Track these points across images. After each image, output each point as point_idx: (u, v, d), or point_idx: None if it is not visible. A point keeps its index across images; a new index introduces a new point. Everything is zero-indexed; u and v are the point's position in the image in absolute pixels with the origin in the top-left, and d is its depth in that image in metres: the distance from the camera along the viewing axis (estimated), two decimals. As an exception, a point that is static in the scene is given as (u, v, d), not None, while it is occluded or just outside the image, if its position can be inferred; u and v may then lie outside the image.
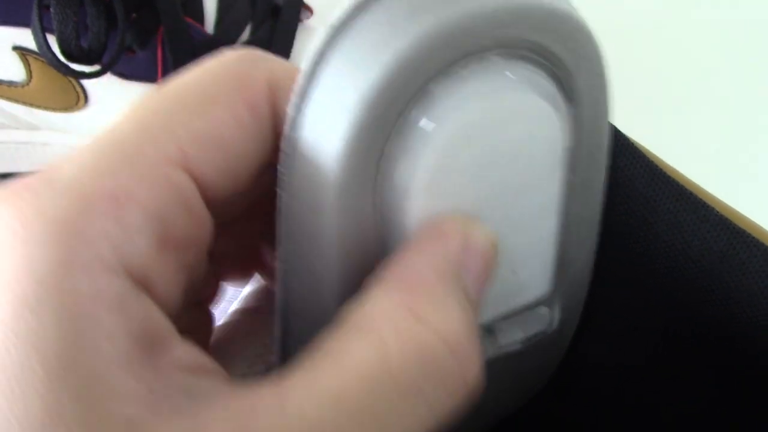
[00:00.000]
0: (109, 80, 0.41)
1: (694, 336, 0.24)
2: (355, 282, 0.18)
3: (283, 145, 0.18)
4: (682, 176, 0.24)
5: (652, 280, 0.24)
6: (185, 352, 0.16)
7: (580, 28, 0.19)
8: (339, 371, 0.16)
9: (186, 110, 0.17)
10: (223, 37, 0.42)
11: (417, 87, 0.17)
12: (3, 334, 0.15)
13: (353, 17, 0.17)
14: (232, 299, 0.28)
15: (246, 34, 0.43)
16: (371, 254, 0.19)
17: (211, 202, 0.18)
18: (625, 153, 0.23)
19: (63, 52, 0.39)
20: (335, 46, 0.17)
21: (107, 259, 0.16)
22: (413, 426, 0.16)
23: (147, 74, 0.41)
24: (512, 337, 0.22)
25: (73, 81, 0.42)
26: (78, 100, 0.42)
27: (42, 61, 0.41)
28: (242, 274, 0.24)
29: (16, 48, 0.41)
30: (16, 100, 0.42)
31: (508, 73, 0.18)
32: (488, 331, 0.21)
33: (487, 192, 0.19)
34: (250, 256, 0.23)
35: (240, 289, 0.27)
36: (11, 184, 0.16)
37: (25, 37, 0.40)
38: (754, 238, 0.22)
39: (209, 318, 0.22)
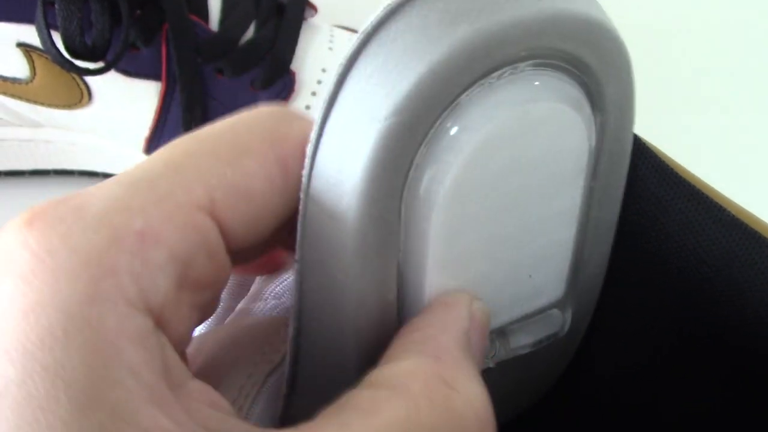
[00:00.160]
0: (113, 77, 0.41)
1: (706, 336, 0.24)
2: (374, 290, 0.18)
3: (308, 149, 0.18)
4: (694, 177, 0.23)
5: (664, 281, 0.24)
6: (199, 389, 0.17)
7: (612, 38, 0.19)
8: (371, 426, 0.16)
9: (218, 158, 0.18)
10: (228, 35, 0.42)
11: (449, 97, 0.17)
12: (30, 364, 0.15)
13: (385, 23, 0.17)
14: (238, 297, 0.28)
15: (250, 32, 0.42)
16: (392, 262, 0.18)
17: (232, 248, 0.18)
18: (637, 153, 0.23)
19: (67, 49, 0.39)
20: (367, 52, 0.17)
21: (131, 295, 0.16)
22: None
23: (151, 71, 0.41)
24: (524, 340, 0.22)
25: (77, 78, 0.41)
26: (82, 97, 0.42)
27: (46, 58, 0.41)
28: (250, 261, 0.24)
29: (20, 45, 0.41)
30: (20, 97, 0.42)
31: (536, 81, 0.18)
32: (500, 333, 0.21)
33: (509, 198, 0.19)
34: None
35: (246, 288, 0.27)
36: (38, 209, 0.16)
37: (29, 33, 0.40)
38: (766, 239, 0.22)
39: None
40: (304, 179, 0.18)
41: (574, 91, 0.19)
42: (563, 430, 0.28)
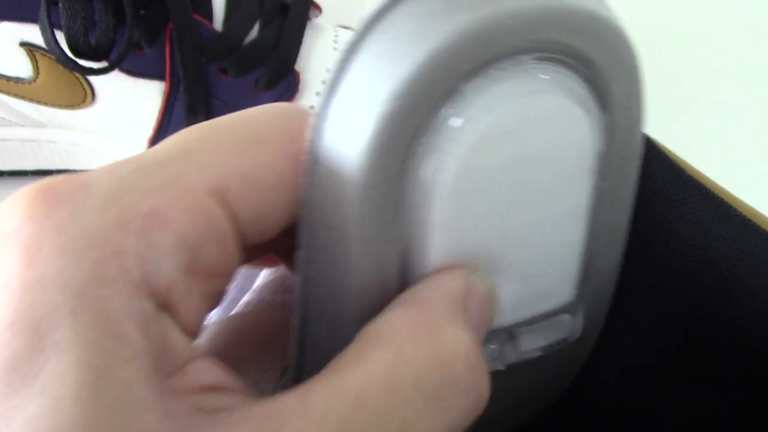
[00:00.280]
0: (116, 77, 0.41)
1: (716, 337, 0.24)
2: (376, 276, 0.18)
3: (309, 134, 0.18)
4: (705, 177, 0.23)
5: (674, 281, 0.24)
6: (203, 372, 0.17)
7: (617, 34, 0.19)
8: (360, 374, 0.16)
9: (232, 146, 0.18)
10: (232, 35, 0.41)
11: (448, 85, 0.17)
12: (38, 338, 0.15)
13: (387, 10, 0.17)
14: (243, 289, 0.28)
15: (254, 31, 0.42)
16: (393, 249, 0.18)
17: (242, 240, 0.18)
18: (648, 153, 0.23)
19: (71, 49, 0.38)
20: (368, 39, 0.17)
21: (135, 277, 0.16)
22: (433, 429, 0.16)
23: (155, 71, 0.41)
24: (534, 344, 0.21)
25: (81, 78, 0.41)
26: (85, 97, 0.42)
27: (49, 58, 0.40)
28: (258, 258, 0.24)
29: (23, 44, 0.40)
30: (23, 97, 0.42)
31: (541, 75, 0.18)
32: (510, 336, 0.21)
33: (514, 193, 0.19)
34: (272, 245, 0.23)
35: (251, 281, 0.27)
36: (47, 184, 0.16)
37: (32, 33, 0.40)
38: (777, 239, 0.22)
39: None
40: (306, 165, 0.18)
41: (579, 88, 0.19)
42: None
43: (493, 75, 0.17)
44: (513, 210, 0.19)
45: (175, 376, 0.16)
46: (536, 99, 0.18)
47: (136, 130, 0.43)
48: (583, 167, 0.19)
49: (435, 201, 0.18)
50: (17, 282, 0.15)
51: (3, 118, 0.43)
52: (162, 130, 0.42)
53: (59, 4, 0.38)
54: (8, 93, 0.42)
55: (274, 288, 0.24)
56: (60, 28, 0.38)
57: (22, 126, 0.44)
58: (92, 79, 0.41)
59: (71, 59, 0.38)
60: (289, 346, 0.20)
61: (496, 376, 0.21)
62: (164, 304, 0.16)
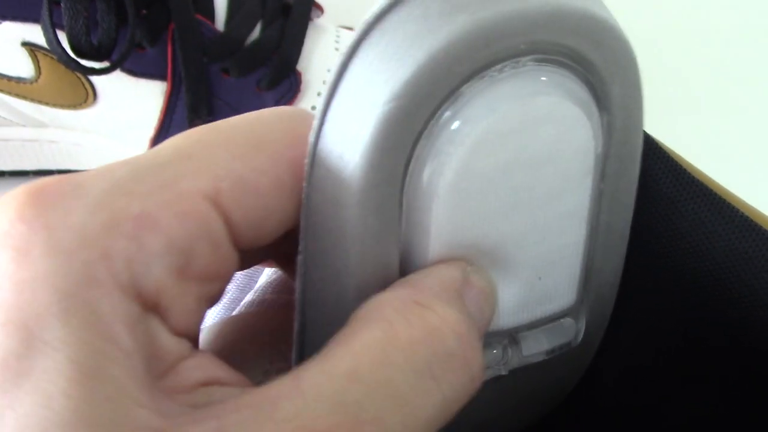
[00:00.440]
0: (118, 77, 0.41)
1: (717, 337, 0.24)
2: (376, 279, 0.18)
3: (310, 136, 0.18)
4: (707, 177, 0.23)
5: (675, 281, 0.24)
6: (197, 369, 0.17)
7: (616, 36, 0.19)
8: (350, 352, 0.16)
9: (229, 150, 0.18)
10: (234, 35, 0.41)
11: (449, 87, 0.17)
12: (29, 338, 0.15)
13: (387, 12, 0.17)
14: (246, 288, 0.28)
15: (256, 32, 0.42)
16: (393, 251, 0.18)
17: (238, 244, 0.18)
18: (649, 153, 0.23)
19: (73, 48, 0.38)
20: (368, 41, 0.17)
21: (123, 280, 0.16)
22: (426, 405, 0.16)
23: (157, 71, 0.41)
24: (536, 348, 0.21)
25: (82, 78, 0.41)
26: (87, 97, 0.42)
27: (51, 58, 0.40)
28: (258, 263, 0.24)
29: (25, 44, 0.40)
30: (24, 97, 0.42)
31: (540, 76, 0.18)
32: (513, 340, 0.21)
33: (514, 195, 0.19)
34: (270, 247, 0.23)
35: (254, 280, 0.27)
36: (40, 185, 0.16)
37: (34, 32, 0.40)
38: (779, 240, 0.22)
39: None
40: (306, 167, 0.18)
41: (578, 89, 0.19)
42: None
43: (492, 77, 0.17)
44: (513, 212, 0.19)
45: (167, 376, 0.16)
46: (536, 100, 0.18)
47: (138, 130, 0.43)
48: (583, 169, 0.19)
49: (435, 203, 0.18)
50: (8, 283, 0.15)
51: (4, 118, 0.43)
52: (164, 130, 0.42)
53: (61, 4, 0.38)
54: (10, 93, 0.42)
55: (277, 287, 0.24)
56: (62, 27, 0.38)
57: (24, 126, 0.44)
58: (94, 79, 0.41)
59: (73, 59, 0.38)
60: (290, 349, 0.20)
61: (499, 381, 0.21)
62: (153, 307, 0.16)
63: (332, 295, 0.19)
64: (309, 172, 0.18)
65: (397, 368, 0.16)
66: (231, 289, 0.28)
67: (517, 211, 0.19)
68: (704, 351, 0.24)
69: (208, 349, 0.21)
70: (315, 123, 0.18)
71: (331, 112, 0.17)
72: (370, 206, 0.17)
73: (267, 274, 0.25)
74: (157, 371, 0.16)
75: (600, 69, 0.19)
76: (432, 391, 0.16)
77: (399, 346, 0.16)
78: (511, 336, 0.21)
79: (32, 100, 0.42)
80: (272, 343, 0.22)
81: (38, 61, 0.41)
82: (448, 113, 0.17)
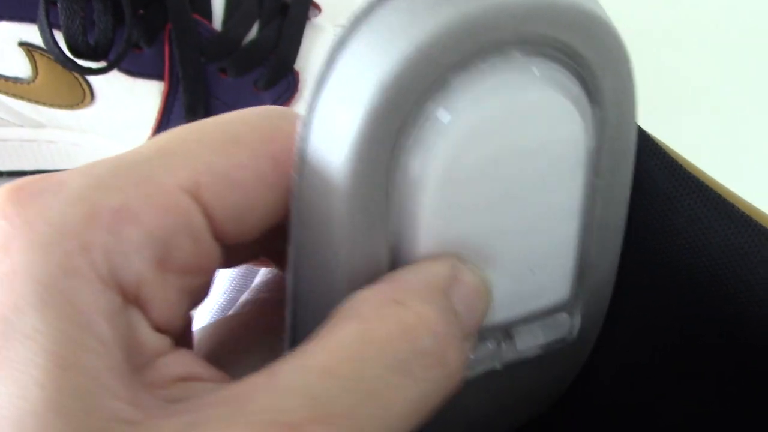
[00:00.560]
0: (115, 77, 0.41)
1: (713, 333, 0.24)
2: (366, 272, 0.18)
3: (298, 128, 0.18)
4: (703, 173, 0.23)
5: (670, 277, 0.24)
6: (175, 364, 0.17)
7: (605, 29, 0.18)
8: (325, 348, 0.16)
9: (208, 145, 0.18)
10: (231, 35, 0.41)
11: (435, 77, 0.17)
12: (7, 329, 0.15)
13: (375, 6, 0.17)
14: (242, 288, 0.28)
15: (253, 31, 0.42)
16: (383, 244, 0.18)
17: (222, 239, 0.18)
18: (645, 149, 0.23)
19: (70, 48, 0.38)
20: (355, 35, 0.17)
21: (102, 271, 0.16)
22: (399, 401, 0.16)
23: (154, 71, 0.41)
24: (531, 342, 0.21)
25: (79, 78, 0.41)
26: (84, 97, 0.42)
27: (48, 58, 0.40)
28: (249, 261, 0.24)
29: (22, 44, 0.40)
30: (22, 97, 0.42)
31: (530, 68, 0.18)
32: (507, 335, 0.21)
33: (503, 188, 0.19)
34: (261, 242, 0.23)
35: (250, 280, 0.27)
36: (21, 183, 0.17)
37: (31, 32, 0.40)
38: (776, 235, 0.22)
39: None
40: (295, 160, 0.18)
41: (568, 82, 0.19)
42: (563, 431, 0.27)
43: (481, 68, 0.17)
44: (504, 205, 0.19)
45: (145, 370, 0.16)
46: (525, 92, 0.18)
47: (135, 129, 0.43)
48: (575, 162, 0.19)
49: (423, 195, 0.18)
50: None
51: (2, 119, 0.43)
52: (161, 130, 0.42)
53: (58, 4, 0.38)
54: (7, 93, 0.42)
55: (272, 287, 0.24)
56: (59, 27, 0.38)
57: (21, 126, 0.44)
58: (91, 79, 0.41)
59: (70, 59, 0.38)
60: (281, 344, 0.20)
61: (495, 377, 0.21)
62: (133, 299, 0.17)
63: (322, 289, 0.19)
64: (299, 165, 0.18)
65: (370, 364, 0.16)
66: (228, 289, 0.28)
67: (507, 204, 0.19)
68: (700, 347, 0.24)
69: (202, 349, 0.21)
70: (304, 116, 0.18)
71: (319, 104, 0.17)
72: (359, 198, 0.17)
73: (262, 274, 0.25)
74: (135, 364, 0.16)
75: (591, 63, 0.19)
76: (406, 388, 0.17)
77: (372, 342, 0.16)
78: (505, 330, 0.21)
79: (30, 100, 0.42)
80: (265, 340, 0.22)
81: (35, 62, 0.41)
82: (435, 105, 0.17)
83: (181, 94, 0.41)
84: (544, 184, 0.19)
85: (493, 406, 0.23)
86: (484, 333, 0.20)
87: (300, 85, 0.43)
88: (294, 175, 0.18)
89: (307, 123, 0.18)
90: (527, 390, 0.23)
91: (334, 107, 0.17)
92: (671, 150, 0.23)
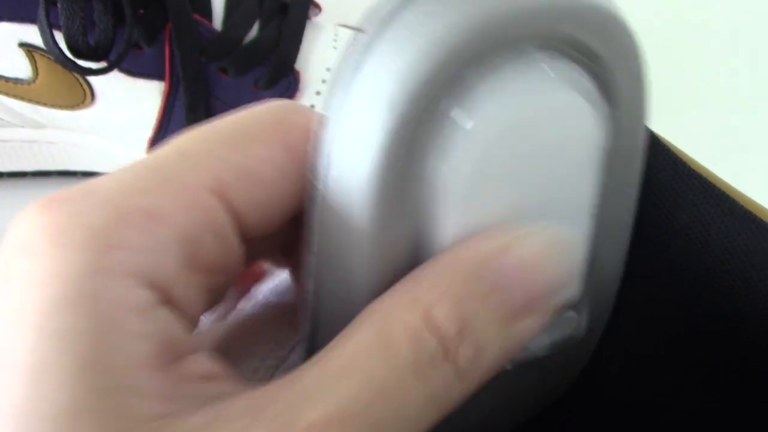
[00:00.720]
0: (116, 77, 0.41)
1: (716, 330, 0.24)
2: (387, 277, 0.18)
3: (324, 136, 0.18)
4: (707, 170, 0.23)
5: (674, 273, 0.24)
6: (200, 362, 0.17)
7: (622, 28, 0.19)
8: (343, 351, 0.17)
9: (226, 144, 0.18)
10: (231, 34, 0.41)
11: (453, 76, 0.17)
12: (40, 331, 0.15)
13: (399, 9, 0.17)
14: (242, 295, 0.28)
15: (254, 31, 0.42)
16: (404, 249, 0.18)
17: (245, 233, 0.19)
18: (650, 146, 0.23)
19: (70, 49, 0.38)
20: (380, 37, 0.17)
21: (134, 269, 0.16)
22: (414, 402, 0.17)
23: (154, 71, 0.41)
24: (540, 341, 0.21)
25: (80, 78, 0.41)
26: (84, 97, 0.42)
27: (48, 58, 0.40)
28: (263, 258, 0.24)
29: (22, 44, 0.40)
30: (22, 98, 0.42)
31: (546, 67, 0.18)
32: None
33: (521, 190, 0.19)
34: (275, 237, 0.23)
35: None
36: (53, 195, 0.17)
37: (31, 33, 0.40)
38: (779, 232, 0.22)
39: None
40: (318, 169, 0.18)
41: (585, 82, 0.19)
42: (564, 428, 0.27)
43: (500, 70, 0.17)
44: (521, 206, 0.19)
45: (175, 365, 0.17)
46: (545, 94, 0.18)
47: (136, 130, 0.43)
48: (590, 161, 0.19)
49: (445, 200, 0.18)
50: (25, 286, 0.16)
51: (2, 119, 0.43)
52: (162, 130, 0.42)
53: (58, 5, 0.38)
54: (7, 94, 0.42)
55: (270, 292, 0.24)
56: (59, 28, 0.38)
57: (22, 127, 0.44)
58: (91, 79, 0.41)
59: (70, 59, 0.38)
60: (300, 349, 0.20)
61: (500, 376, 0.21)
62: (165, 297, 0.17)
63: (344, 294, 0.19)
64: (322, 171, 0.18)
65: (384, 365, 0.17)
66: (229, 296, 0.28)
67: (524, 206, 0.19)
68: (702, 343, 0.24)
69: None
70: (329, 123, 0.18)
71: (345, 111, 0.17)
72: (384, 205, 0.17)
73: (270, 281, 0.25)
74: (167, 359, 0.16)
75: (607, 62, 0.19)
76: (417, 389, 0.17)
77: (385, 343, 0.17)
78: None
79: (30, 101, 0.42)
80: (262, 345, 0.22)
81: (35, 62, 0.41)
82: (453, 104, 0.17)
83: (182, 94, 0.41)
84: (558, 183, 0.19)
85: (499, 404, 0.23)
86: None
87: (301, 85, 0.43)
88: (314, 182, 0.18)
89: (329, 129, 0.18)
90: (534, 386, 0.23)
91: (360, 113, 0.17)
92: (675, 147, 0.23)
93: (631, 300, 0.24)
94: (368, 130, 0.17)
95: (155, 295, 0.17)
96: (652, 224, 0.23)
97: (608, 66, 0.19)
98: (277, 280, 0.24)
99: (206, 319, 0.27)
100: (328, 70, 0.43)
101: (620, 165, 0.20)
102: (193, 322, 0.18)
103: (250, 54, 0.42)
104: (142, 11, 0.40)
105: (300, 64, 0.43)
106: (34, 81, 0.41)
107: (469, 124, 0.17)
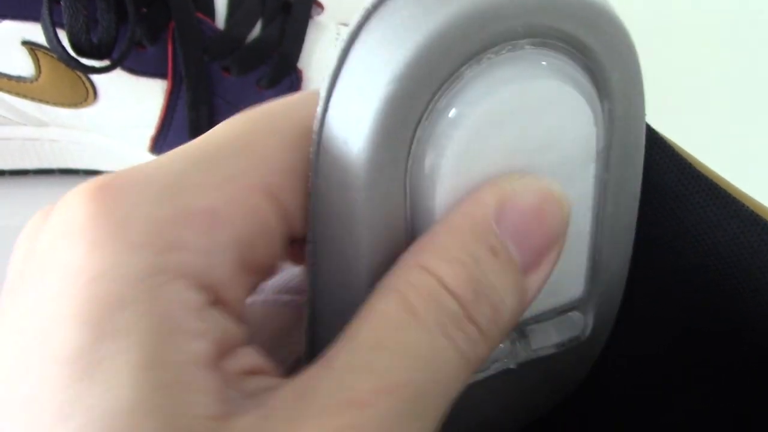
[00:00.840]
0: (118, 76, 0.41)
1: (721, 332, 0.24)
2: (385, 264, 0.18)
3: (313, 125, 0.18)
4: (712, 172, 0.23)
5: (680, 275, 0.24)
6: (248, 356, 0.17)
7: (613, 23, 0.19)
8: (370, 325, 0.17)
9: (279, 139, 0.18)
10: (234, 33, 0.41)
11: (448, 69, 0.17)
12: (99, 328, 0.15)
13: (386, 2, 0.17)
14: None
15: (257, 30, 0.42)
16: (401, 238, 0.18)
17: (291, 234, 0.19)
18: (655, 147, 0.23)
19: (73, 47, 0.38)
20: (368, 27, 0.17)
21: (192, 270, 0.17)
22: (446, 363, 0.17)
23: (157, 70, 0.41)
24: (545, 341, 0.21)
25: (83, 76, 0.41)
26: (87, 95, 0.42)
27: (51, 57, 0.40)
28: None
29: (25, 43, 0.40)
30: (25, 96, 0.42)
31: (540, 60, 0.18)
32: (521, 333, 0.21)
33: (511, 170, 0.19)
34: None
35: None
36: (104, 180, 0.17)
37: (34, 31, 0.40)
38: (785, 234, 0.22)
39: None
40: (311, 156, 0.18)
41: (578, 75, 0.19)
42: (568, 428, 0.27)
43: (490, 59, 0.18)
44: None
45: (228, 360, 0.17)
46: (535, 84, 0.18)
47: (139, 128, 0.43)
48: (585, 156, 0.19)
49: (437, 187, 0.18)
50: (81, 277, 0.16)
51: (5, 117, 0.43)
52: (164, 129, 0.42)
53: (61, 3, 0.38)
54: (10, 92, 0.42)
55: (279, 288, 0.24)
56: (62, 26, 0.38)
57: (24, 125, 0.44)
58: (94, 77, 0.41)
59: (73, 58, 0.38)
60: (300, 340, 0.20)
61: (507, 373, 0.21)
62: (217, 297, 0.17)
63: (342, 280, 0.19)
64: (315, 160, 0.18)
65: (413, 332, 0.17)
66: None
67: None
68: (708, 344, 0.24)
69: None
70: (318, 110, 0.18)
71: (334, 99, 0.18)
72: (376, 190, 0.18)
73: (280, 276, 0.25)
74: (220, 356, 0.17)
75: (599, 56, 0.19)
76: (447, 349, 0.17)
77: (409, 310, 0.17)
78: (520, 329, 0.21)
79: (33, 99, 0.42)
80: (273, 340, 0.22)
81: (38, 60, 0.41)
82: (446, 96, 0.17)
83: (185, 92, 0.41)
84: (555, 177, 0.19)
85: (504, 404, 0.23)
86: None
87: (303, 84, 0.43)
88: (310, 173, 0.18)
89: (321, 117, 0.18)
90: (540, 386, 0.23)
91: (348, 100, 0.17)
92: (680, 148, 0.23)
93: (637, 301, 0.24)
94: (357, 117, 0.17)
95: (209, 296, 0.17)
96: (658, 226, 0.23)
97: (600, 59, 0.19)
98: (287, 275, 0.24)
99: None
100: (330, 68, 0.43)
101: (619, 161, 0.20)
102: (240, 320, 0.18)
103: (253, 53, 0.42)
104: (145, 10, 0.40)
105: (303, 63, 0.43)
106: (36, 79, 0.41)
107: (459, 112, 0.17)
